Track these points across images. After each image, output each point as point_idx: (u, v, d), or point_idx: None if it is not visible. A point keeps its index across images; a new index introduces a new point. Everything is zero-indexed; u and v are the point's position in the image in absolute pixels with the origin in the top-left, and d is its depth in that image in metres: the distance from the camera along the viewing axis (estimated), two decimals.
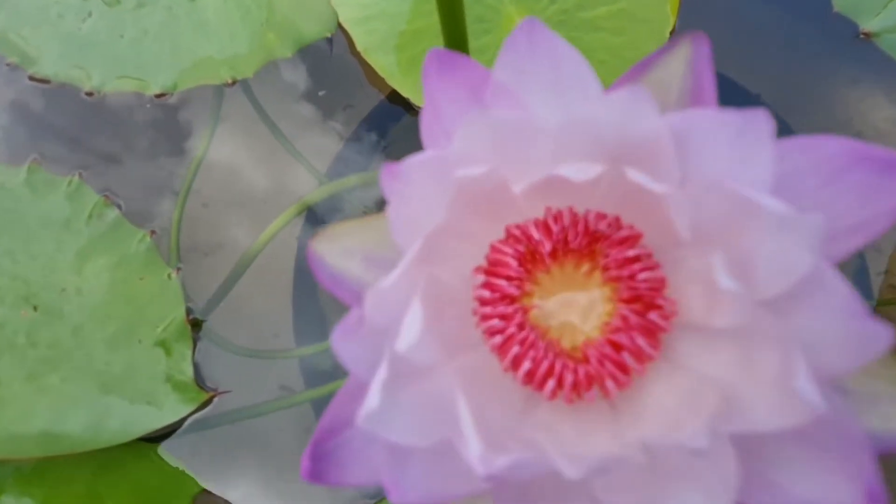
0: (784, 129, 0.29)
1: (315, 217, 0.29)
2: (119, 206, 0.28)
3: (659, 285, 0.08)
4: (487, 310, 0.08)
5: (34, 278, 0.26)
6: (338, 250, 0.09)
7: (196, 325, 0.26)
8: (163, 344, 0.25)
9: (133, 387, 0.25)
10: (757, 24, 0.32)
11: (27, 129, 0.30)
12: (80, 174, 0.28)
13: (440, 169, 0.07)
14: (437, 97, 0.09)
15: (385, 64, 0.29)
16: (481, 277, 0.08)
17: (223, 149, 0.30)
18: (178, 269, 0.27)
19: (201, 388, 0.24)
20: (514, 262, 0.08)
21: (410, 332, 0.07)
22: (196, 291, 0.27)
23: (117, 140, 0.29)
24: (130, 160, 0.29)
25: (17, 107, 0.30)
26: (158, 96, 0.29)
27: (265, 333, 0.28)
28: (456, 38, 0.21)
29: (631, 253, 0.08)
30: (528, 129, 0.08)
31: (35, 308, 0.26)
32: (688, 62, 0.09)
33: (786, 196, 0.06)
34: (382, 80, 0.29)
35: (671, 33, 0.30)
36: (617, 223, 0.08)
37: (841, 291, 0.06)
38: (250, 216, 0.29)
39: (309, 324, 0.28)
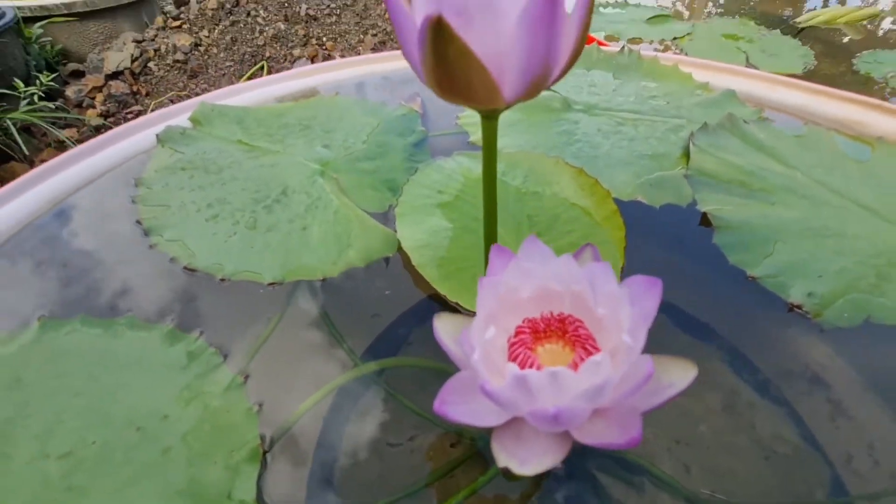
0: (742, 360, 0.40)
1: (345, 395, 0.37)
2: (225, 356, 0.37)
3: (592, 340, 0.18)
4: (517, 350, 0.17)
5: (145, 407, 0.34)
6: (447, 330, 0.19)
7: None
8: (234, 466, 0.31)
9: (198, 501, 0.29)
10: (685, 271, 0.47)
11: (171, 301, 0.41)
12: (200, 333, 0.38)
13: (496, 285, 0.18)
14: (495, 263, 0.21)
15: (431, 275, 0.42)
16: (514, 339, 0.18)
17: (293, 325, 0.41)
18: (260, 405, 0.34)
19: None
20: (528, 331, 0.18)
21: (489, 333, 0.16)
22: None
23: (232, 310, 0.41)
24: (236, 323, 0.40)
25: (168, 286, 0.43)
26: (270, 284, 0.42)
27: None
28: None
29: (581, 331, 0.18)
30: (534, 272, 0.19)
31: (138, 429, 0.32)
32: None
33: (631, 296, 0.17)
34: (426, 284, 0.42)
35: (622, 269, 0.44)
36: (572, 318, 0.18)
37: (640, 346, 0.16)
38: (300, 383, 0.37)
39: None
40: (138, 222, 0.48)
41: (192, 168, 0.55)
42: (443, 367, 0.35)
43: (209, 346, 0.37)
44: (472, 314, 0.43)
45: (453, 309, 0.41)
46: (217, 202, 0.51)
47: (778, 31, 1.06)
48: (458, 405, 0.17)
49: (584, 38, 0.17)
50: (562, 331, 0.18)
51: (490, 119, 0.21)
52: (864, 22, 1.13)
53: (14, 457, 0.31)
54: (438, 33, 0.14)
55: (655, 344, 0.43)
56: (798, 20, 1.15)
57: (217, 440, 0.32)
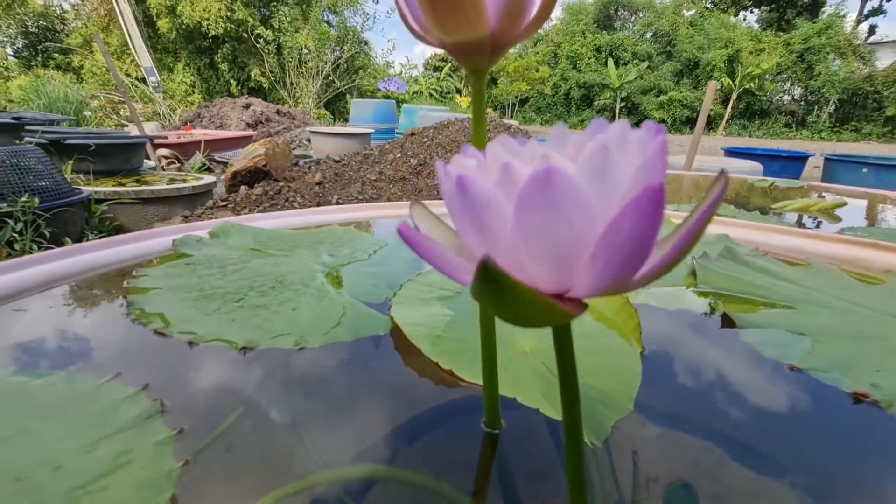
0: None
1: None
2: (163, 408, 0.30)
3: None
4: None
5: (40, 456, 0.26)
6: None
7: None
8: None
9: None
10: (715, 361, 0.41)
11: (126, 360, 0.36)
12: (144, 386, 0.32)
13: (475, 154, 0.16)
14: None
15: (425, 348, 0.38)
16: None
17: (260, 397, 0.34)
18: (186, 461, 0.26)
19: None
20: None
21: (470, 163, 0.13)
22: None
23: (197, 375, 0.35)
24: (196, 383, 0.34)
25: (130, 348, 0.38)
26: (242, 349, 0.37)
27: None
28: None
29: None
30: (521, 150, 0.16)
31: (17, 479, 0.24)
32: None
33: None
34: (416, 362, 0.37)
35: (641, 354, 0.39)
36: None
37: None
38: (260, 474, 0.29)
39: None
40: (125, 296, 0.46)
41: (196, 264, 0.56)
42: (436, 487, 0.27)
43: (145, 398, 0.31)
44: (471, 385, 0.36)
45: (448, 383, 0.35)
46: (210, 288, 0.49)
47: (757, 212, 1.17)
48: (425, 243, 0.13)
49: None
50: None
51: (478, 74, 0.22)
52: (833, 210, 1.25)
53: None
54: None
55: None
56: (774, 207, 1.27)
57: (113, 498, 0.24)
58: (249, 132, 5.24)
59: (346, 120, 8.91)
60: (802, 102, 14.53)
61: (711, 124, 14.06)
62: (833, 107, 13.79)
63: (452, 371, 0.35)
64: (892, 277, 0.59)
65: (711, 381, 0.38)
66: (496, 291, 0.11)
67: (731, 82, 13.43)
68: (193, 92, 11.67)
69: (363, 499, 0.26)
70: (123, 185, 2.26)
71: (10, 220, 1.37)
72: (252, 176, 1.88)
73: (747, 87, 13.49)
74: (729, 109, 13.64)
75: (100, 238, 1.57)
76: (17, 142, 2.11)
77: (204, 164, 3.20)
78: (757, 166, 3.59)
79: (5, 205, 1.39)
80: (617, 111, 14.70)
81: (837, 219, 1.23)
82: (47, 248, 1.41)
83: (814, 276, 0.58)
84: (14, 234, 1.36)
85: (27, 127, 2.49)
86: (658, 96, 14.57)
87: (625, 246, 0.11)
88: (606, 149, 0.11)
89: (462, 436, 0.30)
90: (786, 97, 14.79)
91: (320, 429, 0.31)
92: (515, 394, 0.33)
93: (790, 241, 0.71)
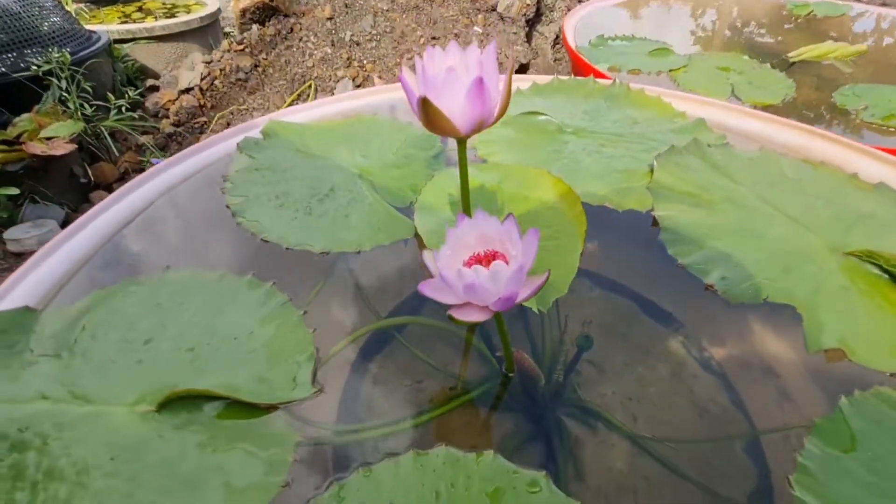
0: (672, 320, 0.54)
1: (372, 340, 0.53)
2: (290, 299, 0.53)
3: (502, 258, 0.32)
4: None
5: (239, 326, 0.50)
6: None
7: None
8: (298, 363, 0.47)
9: (272, 380, 0.45)
10: (632, 258, 0.61)
11: (252, 261, 0.58)
12: (273, 283, 0.55)
13: (456, 232, 0.33)
14: (459, 222, 0.36)
15: None
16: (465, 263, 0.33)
17: (337, 284, 0.57)
18: (314, 330, 0.50)
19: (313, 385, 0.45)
20: (473, 260, 0.33)
21: (447, 252, 0.31)
22: None
23: (295, 271, 0.57)
24: (297, 279, 0.56)
25: (250, 251, 0.60)
26: (322, 253, 0.59)
27: None
28: None
29: (499, 257, 0.33)
30: (478, 225, 0.34)
31: (235, 338, 0.49)
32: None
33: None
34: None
35: (581, 253, 0.59)
36: (497, 252, 0.33)
37: None
38: (338, 326, 0.53)
39: None
40: (227, 206, 0.66)
41: (263, 169, 0.73)
42: (444, 326, 0.50)
43: (279, 292, 0.54)
44: None
45: None
46: (283, 194, 0.68)
47: (768, 64, 1.18)
48: (431, 291, 0.32)
49: (507, 102, 0.32)
50: (491, 258, 0.33)
51: (461, 143, 0.37)
52: (852, 58, 1.24)
53: (159, 349, 0.48)
54: (424, 103, 0.30)
55: (613, 310, 0.56)
56: (790, 55, 1.26)
57: (286, 348, 0.48)
58: None
59: None
60: None
61: None
62: None
63: None
64: (822, 168, 0.73)
65: (623, 271, 0.58)
66: None
67: None
68: None
69: (405, 332, 0.50)
70: (128, 15, 2.18)
71: (52, 78, 1.47)
72: (261, 13, 1.80)
73: None
74: None
75: (132, 89, 1.66)
76: None
77: None
78: None
79: (41, 61, 1.47)
80: None
81: (854, 67, 1.22)
82: (95, 105, 1.54)
83: (754, 170, 0.72)
84: (63, 92, 1.47)
85: None
86: None
87: (507, 301, 0.30)
88: (497, 272, 0.29)
89: None
90: None
91: (375, 296, 0.54)
92: None
93: (755, 126, 0.81)
